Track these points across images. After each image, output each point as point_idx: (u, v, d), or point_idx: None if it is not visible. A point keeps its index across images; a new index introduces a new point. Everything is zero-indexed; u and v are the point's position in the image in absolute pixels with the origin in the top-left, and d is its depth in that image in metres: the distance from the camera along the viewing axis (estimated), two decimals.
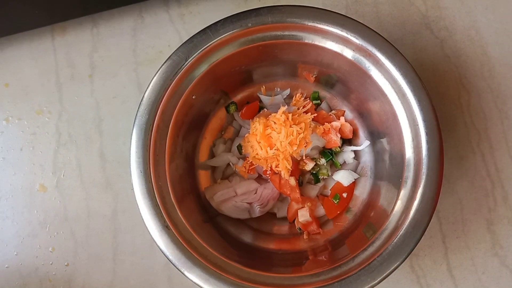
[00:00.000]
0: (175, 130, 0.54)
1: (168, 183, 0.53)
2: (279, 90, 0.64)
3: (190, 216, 0.53)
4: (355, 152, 0.62)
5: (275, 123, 0.57)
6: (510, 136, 0.64)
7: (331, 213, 0.60)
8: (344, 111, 0.62)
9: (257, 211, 0.59)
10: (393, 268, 0.48)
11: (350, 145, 0.62)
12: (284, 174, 0.57)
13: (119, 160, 0.65)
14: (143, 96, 0.52)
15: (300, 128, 0.56)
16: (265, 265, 0.53)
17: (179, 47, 0.53)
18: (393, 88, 0.52)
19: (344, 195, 0.60)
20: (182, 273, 0.49)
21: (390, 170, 0.56)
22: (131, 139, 0.52)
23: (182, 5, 0.68)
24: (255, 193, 0.58)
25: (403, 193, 0.51)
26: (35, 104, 0.67)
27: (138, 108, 0.52)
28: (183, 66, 0.53)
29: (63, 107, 0.67)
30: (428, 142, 0.50)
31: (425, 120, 0.50)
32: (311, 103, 0.61)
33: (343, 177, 0.60)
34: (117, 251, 0.63)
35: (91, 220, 0.64)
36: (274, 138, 0.56)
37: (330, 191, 0.61)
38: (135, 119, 0.52)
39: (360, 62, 0.54)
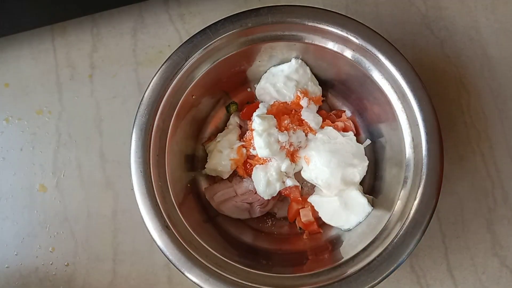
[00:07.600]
0: (175, 130, 0.54)
1: (168, 183, 0.53)
2: None
3: (190, 216, 0.53)
4: None
5: None
6: (510, 136, 0.64)
7: None
8: (344, 111, 0.62)
9: (257, 211, 0.59)
10: (393, 268, 0.48)
11: None
12: None
13: (119, 160, 0.65)
14: (143, 96, 0.52)
15: None
16: (265, 265, 0.53)
17: (179, 47, 0.53)
18: (393, 88, 0.52)
19: None
20: (182, 273, 0.49)
21: (390, 170, 0.56)
22: (131, 139, 0.52)
23: (182, 5, 0.68)
24: (255, 193, 0.58)
25: (403, 193, 0.51)
26: (35, 104, 0.67)
27: (138, 108, 0.52)
28: (183, 66, 0.53)
29: (63, 107, 0.67)
30: (428, 142, 0.50)
31: (425, 120, 0.50)
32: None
33: None
34: (117, 251, 0.63)
35: (91, 220, 0.64)
36: None
37: None
38: (135, 119, 0.52)
39: (360, 62, 0.54)
